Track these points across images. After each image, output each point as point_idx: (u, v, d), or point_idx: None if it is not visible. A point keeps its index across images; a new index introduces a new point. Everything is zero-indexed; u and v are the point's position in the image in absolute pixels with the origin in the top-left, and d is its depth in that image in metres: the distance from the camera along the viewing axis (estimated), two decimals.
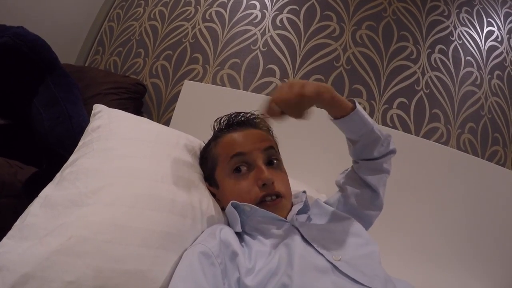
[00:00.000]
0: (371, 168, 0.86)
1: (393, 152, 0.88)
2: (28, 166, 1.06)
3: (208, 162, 0.84)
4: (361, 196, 0.87)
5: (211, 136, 0.90)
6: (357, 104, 0.76)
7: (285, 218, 0.76)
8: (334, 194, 0.92)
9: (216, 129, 0.90)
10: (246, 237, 0.73)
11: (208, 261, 0.62)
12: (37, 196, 0.69)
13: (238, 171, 0.78)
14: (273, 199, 0.76)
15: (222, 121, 0.90)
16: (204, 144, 0.93)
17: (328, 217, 0.79)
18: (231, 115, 0.89)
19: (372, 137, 0.80)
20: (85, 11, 1.96)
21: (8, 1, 1.57)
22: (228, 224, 0.79)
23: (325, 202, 0.88)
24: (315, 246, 0.66)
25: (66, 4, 1.85)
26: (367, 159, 0.85)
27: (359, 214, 0.84)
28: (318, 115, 1.47)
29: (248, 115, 0.89)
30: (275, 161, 0.81)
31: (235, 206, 0.75)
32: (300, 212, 0.79)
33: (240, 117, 0.89)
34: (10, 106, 1.16)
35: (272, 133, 0.91)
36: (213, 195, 0.84)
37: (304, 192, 0.84)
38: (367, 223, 0.87)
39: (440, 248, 1.38)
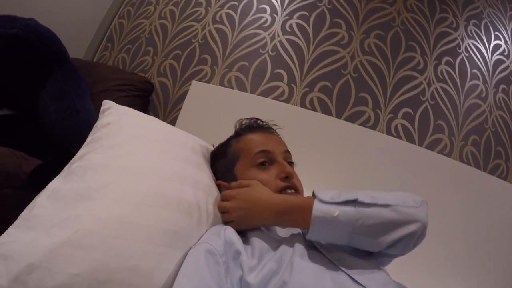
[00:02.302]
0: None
1: (409, 236, 0.63)
2: (33, 157, 1.06)
3: (228, 157, 0.88)
4: None
5: (221, 135, 0.95)
6: (316, 209, 0.64)
7: None
8: None
9: (237, 128, 0.96)
10: (250, 237, 0.73)
11: (213, 259, 0.63)
12: (41, 188, 0.70)
13: (261, 164, 0.82)
14: (292, 192, 0.80)
15: (243, 122, 0.96)
16: (211, 147, 0.97)
17: None
18: (252, 119, 0.96)
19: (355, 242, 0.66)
20: (96, 7, 1.97)
21: None
22: None
23: None
24: (317, 246, 0.68)
25: None
26: None
27: None
28: (318, 119, 1.49)
29: (264, 123, 0.96)
30: (291, 163, 0.88)
31: None
32: None
33: (260, 122, 0.95)
34: (17, 97, 1.16)
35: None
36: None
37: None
38: None
39: (439, 259, 1.38)
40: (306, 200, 0.67)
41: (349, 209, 0.62)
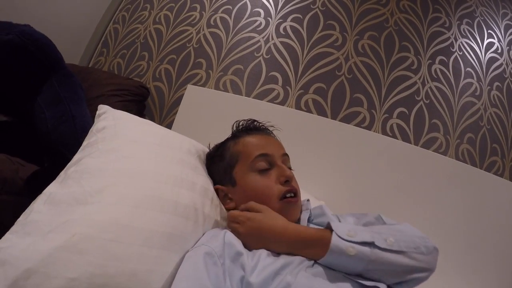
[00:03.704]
0: None
1: (417, 280, 0.64)
2: (30, 163, 1.06)
3: (225, 160, 0.87)
4: None
5: (217, 138, 0.95)
6: (333, 244, 0.61)
7: (298, 219, 0.80)
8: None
9: (234, 129, 0.95)
10: None
11: (211, 261, 0.63)
12: (38, 194, 0.70)
13: (261, 169, 0.81)
14: (292, 196, 0.79)
15: (240, 124, 0.95)
16: (207, 149, 0.96)
17: None
18: (248, 120, 0.95)
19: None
20: (91, 12, 1.98)
21: (14, 0, 1.59)
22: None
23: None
24: None
25: (71, 5, 1.86)
26: None
27: None
28: (313, 121, 1.50)
29: (261, 124, 0.95)
30: (289, 167, 0.87)
31: None
32: (307, 220, 0.81)
33: (256, 123, 0.95)
34: (13, 103, 1.17)
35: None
36: (223, 196, 0.85)
37: (308, 200, 0.86)
38: None
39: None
40: (323, 234, 0.65)
41: (365, 250, 0.60)
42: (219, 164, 0.88)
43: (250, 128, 0.93)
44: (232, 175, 0.84)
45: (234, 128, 0.95)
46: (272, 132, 0.96)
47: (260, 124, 0.95)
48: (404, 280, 0.62)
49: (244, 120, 0.96)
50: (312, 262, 0.65)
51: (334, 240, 0.61)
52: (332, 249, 0.61)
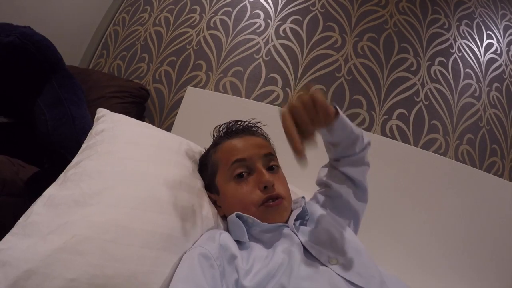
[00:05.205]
0: (353, 162, 0.90)
1: (369, 144, 0.91)
2: (30, 165, 1.06)
3: (208, 169, 0.85)
4: (346, 190, 0.90)
5: (210, 144, 0.92)
6: (339, 110, 0.75)
7: (286, 221, 0.77)
8: (319, 193, 0.94)
9: (215, 136, 0.92)
10: (246, 243, 0.74)
11: (207, 263, 0.63)
12: (38, 195, 0.70)
13: (239, 176, 0.78)
14: (275, 200, 0.76)
15: (221, 128, 0.91)
16: (204, 151, 0.95)
17: (323, 219, 0.80)
18: (230, 123, 0.91)
19: (352, 137, 0.83)
20: (91, 14, 1.99)
21: (14, 1, 1.59)
22: (227, 231, 0.80)
23: (313, 202, 0.91)
24: (312, 252, 0.68)
25: (72, 6, 1.87)
26: (348, 156, 0.89)
27: (347, 209, 0.88)
28: None
29: (246, 123, 0.91)
30: (274, 167, 0.82)
31: (239, 217, 0.75)
32: (299, 217, 0.80)
33: (238, 125, 0.90)
34: (14, 104, 1.17)
35: (269, 140, 0.92)
36: (214, 202, 0.84)
37: (303, 197, 0.85)
38: (355, 218, 0.90)
39: (436, 257, 1.38)
40: None
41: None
42: (205, 172, 0.87)
43: (231, 131, 0.89)
44: (215, 184, 0.83)
45: (215, 134, 0.92)
46: (259, 129, 0.92)
47: (245, 124, 0.91)
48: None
49: (225, 123, 0.92)
50: (305, 259, 0.66)
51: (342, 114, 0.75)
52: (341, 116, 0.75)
